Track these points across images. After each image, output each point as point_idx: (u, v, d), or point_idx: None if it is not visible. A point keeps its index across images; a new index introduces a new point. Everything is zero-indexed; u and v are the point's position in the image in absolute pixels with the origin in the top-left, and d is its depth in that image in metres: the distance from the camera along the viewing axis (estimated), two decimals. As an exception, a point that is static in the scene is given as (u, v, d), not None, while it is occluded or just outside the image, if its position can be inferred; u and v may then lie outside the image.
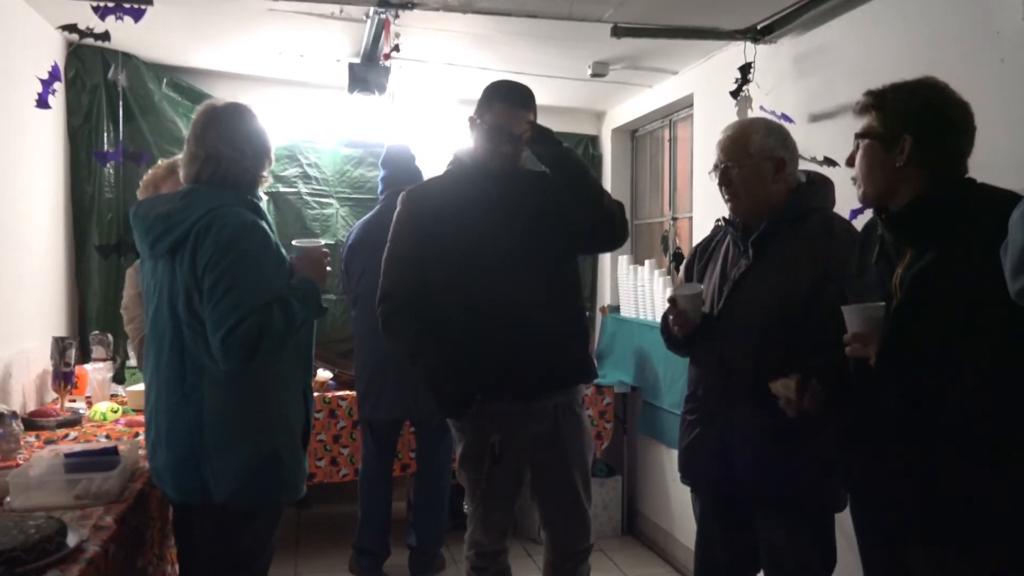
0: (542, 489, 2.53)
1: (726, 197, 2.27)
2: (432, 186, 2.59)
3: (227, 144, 2.05)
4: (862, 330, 1.70)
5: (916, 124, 1.69)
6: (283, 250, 2.13)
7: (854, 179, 1.85)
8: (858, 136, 1.80)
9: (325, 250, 2.24)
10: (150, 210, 2.04)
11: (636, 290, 4.24)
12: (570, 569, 2.54)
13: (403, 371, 3.42)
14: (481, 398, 2.34)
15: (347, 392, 3.92)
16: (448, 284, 2.39)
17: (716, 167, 2.27)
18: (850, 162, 1.85)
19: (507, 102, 2.39)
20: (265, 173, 2.16)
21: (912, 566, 1.74)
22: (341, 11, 3.19)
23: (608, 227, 2.46)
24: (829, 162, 2.80)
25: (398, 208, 2.51)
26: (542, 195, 2.46)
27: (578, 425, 2.52)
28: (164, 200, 2.08)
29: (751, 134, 2.24)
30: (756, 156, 2.20)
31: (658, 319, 2.94)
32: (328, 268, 2.23)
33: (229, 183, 2.05)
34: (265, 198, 3.33)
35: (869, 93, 1.79)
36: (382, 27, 3.20)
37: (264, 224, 2.06)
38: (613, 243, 2.58)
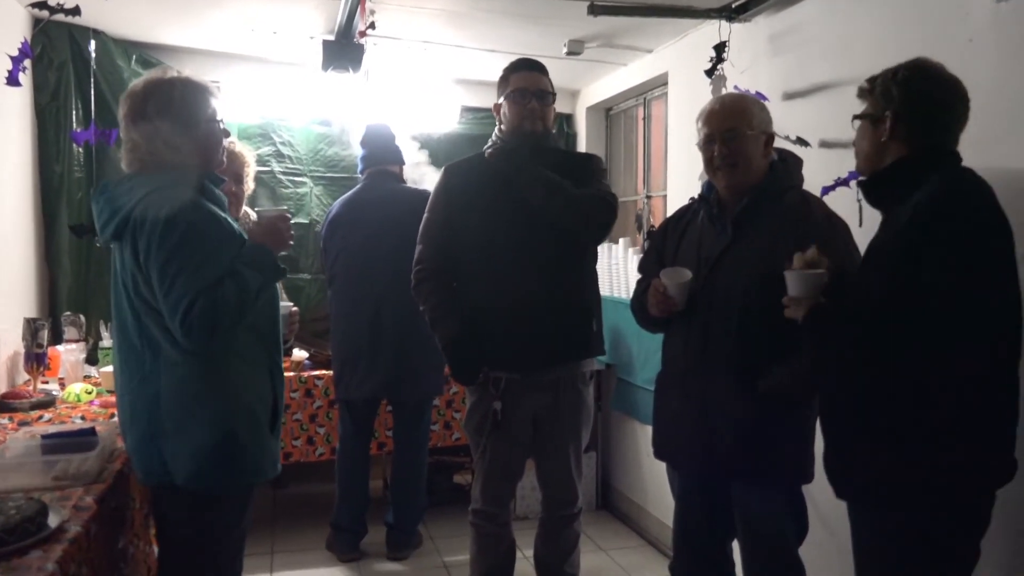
0: (539, 455, 2.74)
1: (720, 166, 2.21)
2: (467, 162, 2.77)
3: (147, 141, 1.98)
4: (797, 294, 1.88)
5: (896, 101, 1.82)
6: (235, 224, 2.08)
7: (856, 155, 1.97)
8: (855, 117, 1.93)
9: (286, 214, 2.16)
10: (101, 194, 2.02)
11: (610, 268, 4.27)
12: (557, 530, 2.78)
13: (381, 350, 3.47)
14: (487, 369, 2.58)
15: (323, 371, 3.92)
16: (468, 256, 2.63)
17: (711, 135, 2.22)
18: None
19: (524, 69, 2.65)
20: (206, 139, 2.06)
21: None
22: (315, -12, 3.17)
23: (586, 229, 2.62)
24: (801, 142, 2.84)
25: (438, 181, 2.74)
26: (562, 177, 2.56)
27: (578, 401, 2.69)
28: (114, 183, 2.04)
29: (750, 106, 2.25)
30: (756, 128, 2.21)
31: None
32: (292, 232, 2.14)
33: (167, 166, 1.99)
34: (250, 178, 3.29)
35: (867, 80, 1.92)
36: (357, 4, 3.17)
37: (207, 202, 2.00)
38: (591, 238, 2.70)
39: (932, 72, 1.82)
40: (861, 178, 1.96)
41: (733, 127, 2.20)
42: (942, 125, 1.82)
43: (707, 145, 2.25)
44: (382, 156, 3.67)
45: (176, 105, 2.01)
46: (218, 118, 2.09)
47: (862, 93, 1.91)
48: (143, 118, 1.99)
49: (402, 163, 3.76)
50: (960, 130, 1.84)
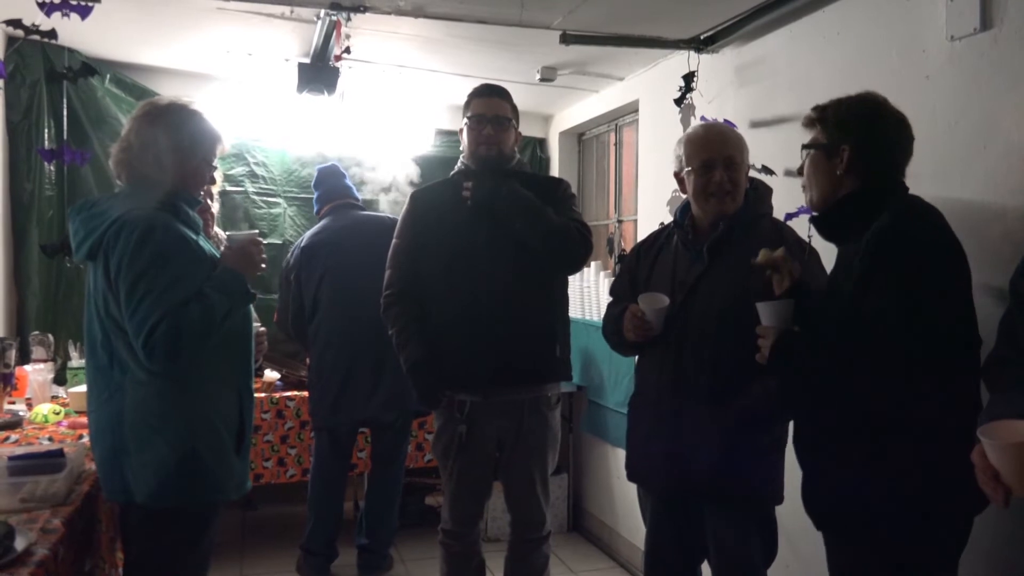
0: (505, 477, 2.75)
1: (716, 193, 2.22)
2: (432, 188, 2.82)
3: (140, 148, 2.06)
4: (769, 323, 1.91)
5: (854, 135, 1.84)
6: (208, 246, 2.13)
7: (804, 187, 1.99)
8: (804, 147, 1.94)
9: (257, 238, 2.20)
10: (77, 213, 2.05)
11: (582, 291, 4.31)
12: (526, 553, 2.77)
13: (386, 371, 3.46)
14: (449, 392, 2.60)
15: (295, 392, 3.91)
16: (432, 279, 2.65)
17: (712, 161, 2.22)
18: (800, 171, 1.99)
19: (482, 95, 2.70)
20: (191, 175, 2.13)
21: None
22: (292, 12, 3.19)
23: (558, 258, 2.64)
24: (767, 170, 2.91)
25: (405, 207, 2.79)
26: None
27: (543, 424, 2.69)
28: (91, 203, 2.07)
29: (741, 136, 2.32)
30: (745, 159, 2.29)
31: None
32: (264, 255, 2.20)
33: (148, 185, 2.05)
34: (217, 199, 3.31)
35: (815, 108, 1.93)
36: (333, 29, 3.21)
37: (180, 225, 2.04)
38: (565, 270, 2.75)
39: (884, 108, 1.87)
40: (814, 213, 1.97)
41: (732, 155, 2.24)
42: (895, 160, 1.86)
43: (704, 171, 2.23)
44: (340, 192, 3.78)
45: (184, 131, 2.08)
46: (213, 163, 2.18)
47: (809, 122, 1.93)
48: (151, 125, 2.06)
49: (357, 199, 3.84)
50: (907, 164, 1.89)
